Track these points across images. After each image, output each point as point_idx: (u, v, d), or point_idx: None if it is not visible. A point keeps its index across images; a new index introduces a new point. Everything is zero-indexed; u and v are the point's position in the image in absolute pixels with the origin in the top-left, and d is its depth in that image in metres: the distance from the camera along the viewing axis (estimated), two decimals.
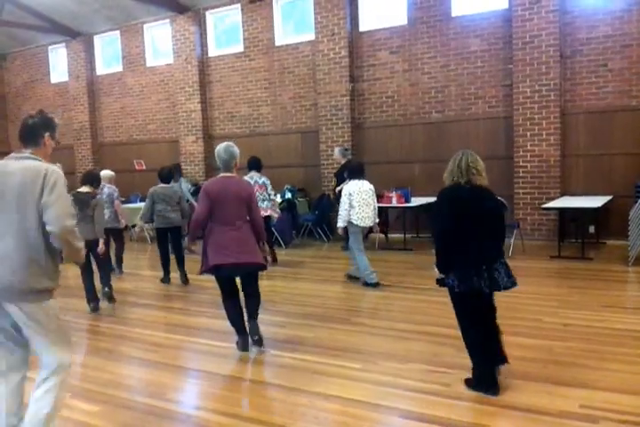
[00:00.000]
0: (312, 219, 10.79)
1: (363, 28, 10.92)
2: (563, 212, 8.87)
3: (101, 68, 14.53)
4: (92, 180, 6.28)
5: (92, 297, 6.12)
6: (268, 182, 8.37)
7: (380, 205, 9.36)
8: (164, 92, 13.43)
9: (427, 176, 10.48)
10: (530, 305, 5.63)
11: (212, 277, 4.70)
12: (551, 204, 8.78)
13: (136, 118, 13.99)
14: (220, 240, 4.46)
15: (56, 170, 2.88)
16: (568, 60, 9.29)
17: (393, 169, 10.72)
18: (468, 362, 4.13)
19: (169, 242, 7.57)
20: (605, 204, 8.27)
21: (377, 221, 6.91)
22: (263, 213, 8.23)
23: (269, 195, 8.32)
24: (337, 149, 9.83)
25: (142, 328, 5.48)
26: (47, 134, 2.96)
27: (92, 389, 3.88)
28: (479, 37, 9.89)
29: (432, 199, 9.92)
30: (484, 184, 3.67)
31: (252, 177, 8.23)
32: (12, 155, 2.97)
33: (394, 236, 9.82)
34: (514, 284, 3.66)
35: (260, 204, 8.17)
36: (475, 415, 3.32)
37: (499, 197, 3.81)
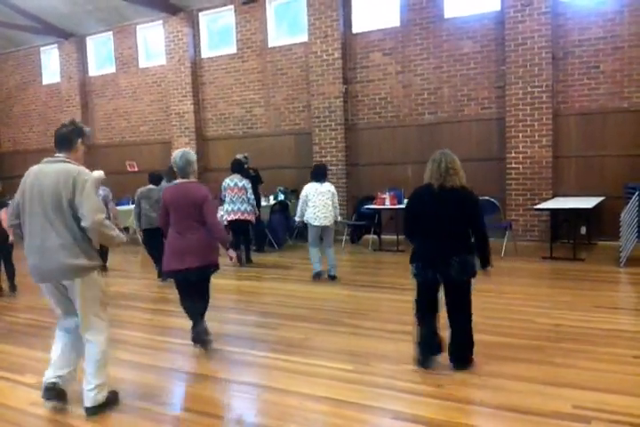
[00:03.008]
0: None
1: (356, 29, 10.94)
2: (555, 213, 8.89)
3: (94, 70, 14.47)
4: None
5: None
6: (249, 186, 8.39)
7: (374, 206, 9.48)
8: (157, 93, 13.40)
9: (420, 177, 10.33)
10: (521, 306, 5.62)
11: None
12: (543, 205, 8.80)
13: (129, 120, 13.94)
14: (174, 246, 4.56)
15: (85, 171, 3.42)
16: (560, 61, 9.33)
17: (386, 170, 10.72)
18: None
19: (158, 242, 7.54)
20: (597, 205, 8.28)
21: (338, 219, 7.41)
22: (244, 217, 8.29)
23: (249, 198, 8.34)
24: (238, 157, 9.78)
25: (132, 330, 5.44)
26: (79, 140, 3.59)
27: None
28: (472, 39, 9.92)
29: None
30: (460, 184, 3.69)
31: (233, 179, 8.39)
32: (47, 159, 3.46)
33: (387, 237, 9.81)
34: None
35: (239, 206, 8.23)
36: (466, 416, 3.31)
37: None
